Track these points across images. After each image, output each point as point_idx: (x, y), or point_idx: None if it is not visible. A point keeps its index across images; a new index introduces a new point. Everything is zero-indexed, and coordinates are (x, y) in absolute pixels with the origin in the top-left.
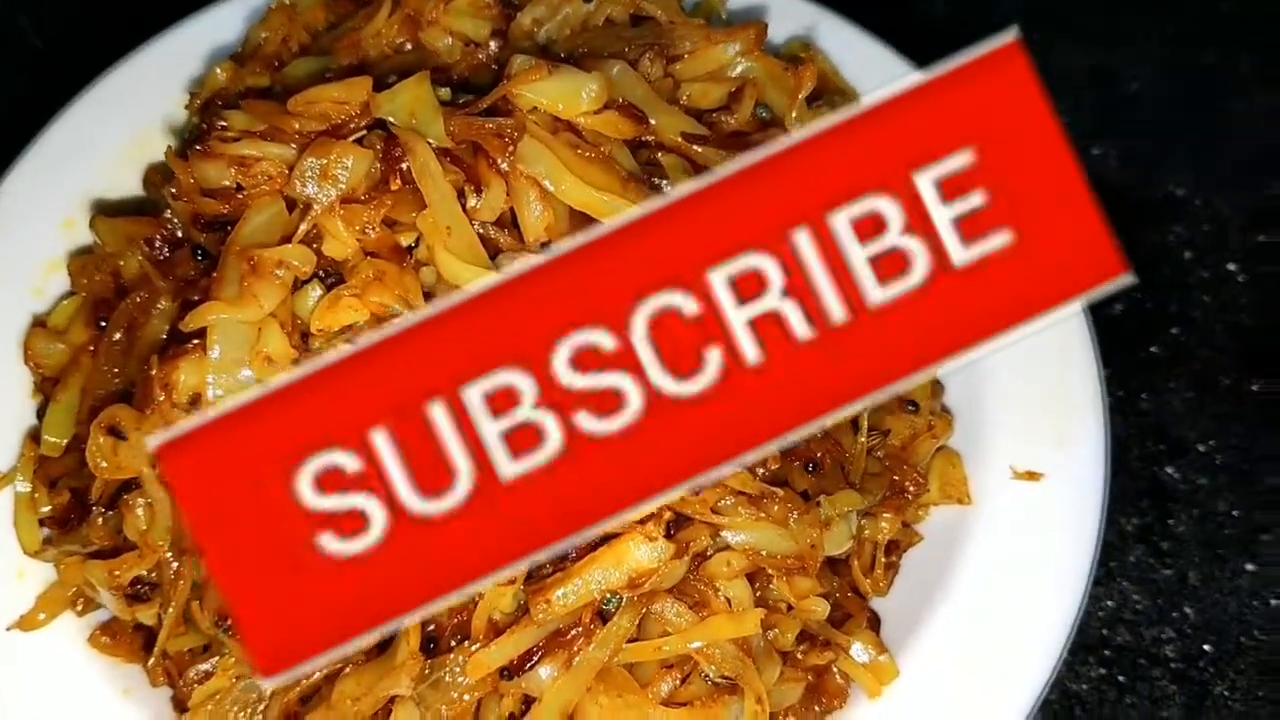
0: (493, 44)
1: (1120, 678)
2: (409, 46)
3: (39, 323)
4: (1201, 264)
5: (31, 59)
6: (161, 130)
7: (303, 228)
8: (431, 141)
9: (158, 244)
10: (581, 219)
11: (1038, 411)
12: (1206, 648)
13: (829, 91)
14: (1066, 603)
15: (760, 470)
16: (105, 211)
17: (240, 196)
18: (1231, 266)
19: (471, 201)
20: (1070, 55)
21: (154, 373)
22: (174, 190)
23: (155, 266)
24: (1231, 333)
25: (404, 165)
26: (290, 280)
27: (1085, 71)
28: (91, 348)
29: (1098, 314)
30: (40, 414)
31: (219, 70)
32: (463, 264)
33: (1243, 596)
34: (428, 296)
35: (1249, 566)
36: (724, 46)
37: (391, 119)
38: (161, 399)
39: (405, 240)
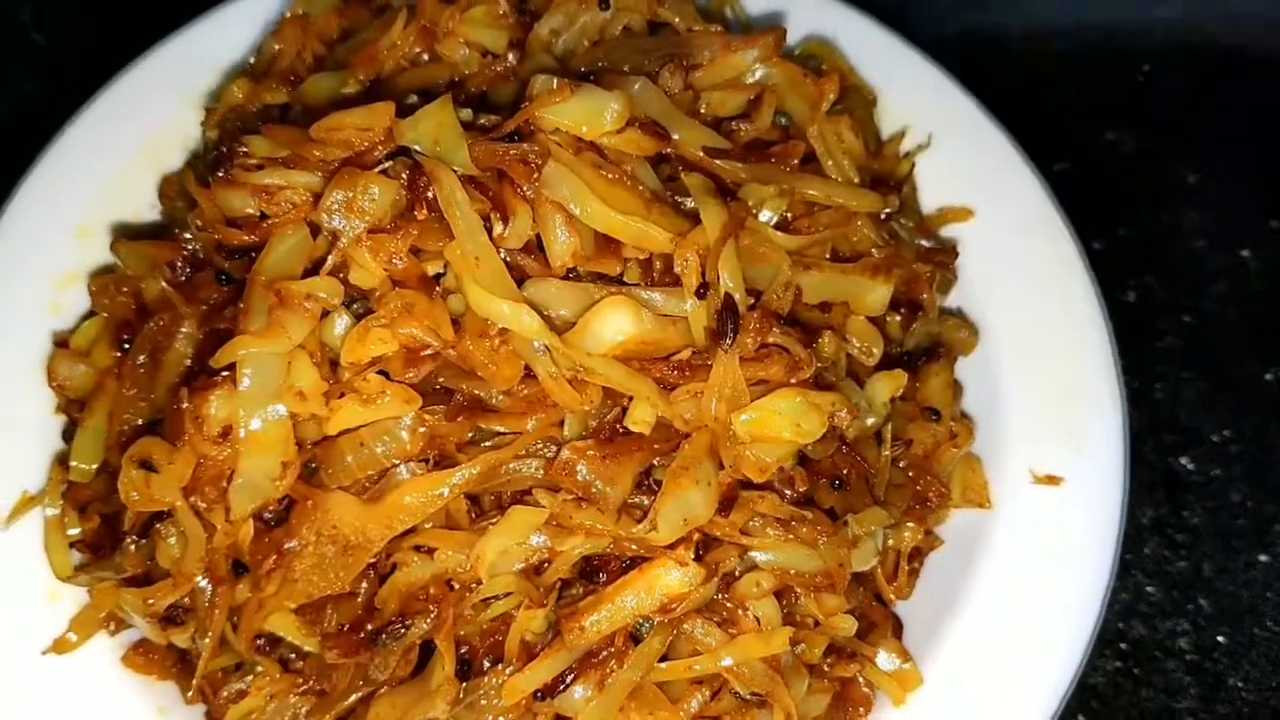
0: (511, 55)
1: (1136, 670)
2: (426, 57)
3: (60, 342)
4: (1214, 251)
5: (34, 56)
6: (173, 138)
7: (330, 260)
8: (456, 169)
9: (179, 265)
10: (606, 241)
11: (1056, 410)
12: (1220, 639)
13: (846, 91)
14: (1088, 605)
15: (788, 492)
16: (125, 233)
17: (265, 225)
18: (1245, 253)
19: (498, 229)
20: (1081, 38)
21: (185, 405)
22: (198, 222)
23: (178, 290)
24: (1245, 321)
25: (430, 194)
26: (318, 311)
27: (1097, 56)
28: (116, 371)
29: (1111, 302)
30: (66, 435)
31: (235, 86)
32: (491, 296)
33: (1256, 588)
34: (455, 325)
35: (1262, 558)
36: (743, 54)
37: (416, 146)
38: (193, 432)
39: (432, 269)
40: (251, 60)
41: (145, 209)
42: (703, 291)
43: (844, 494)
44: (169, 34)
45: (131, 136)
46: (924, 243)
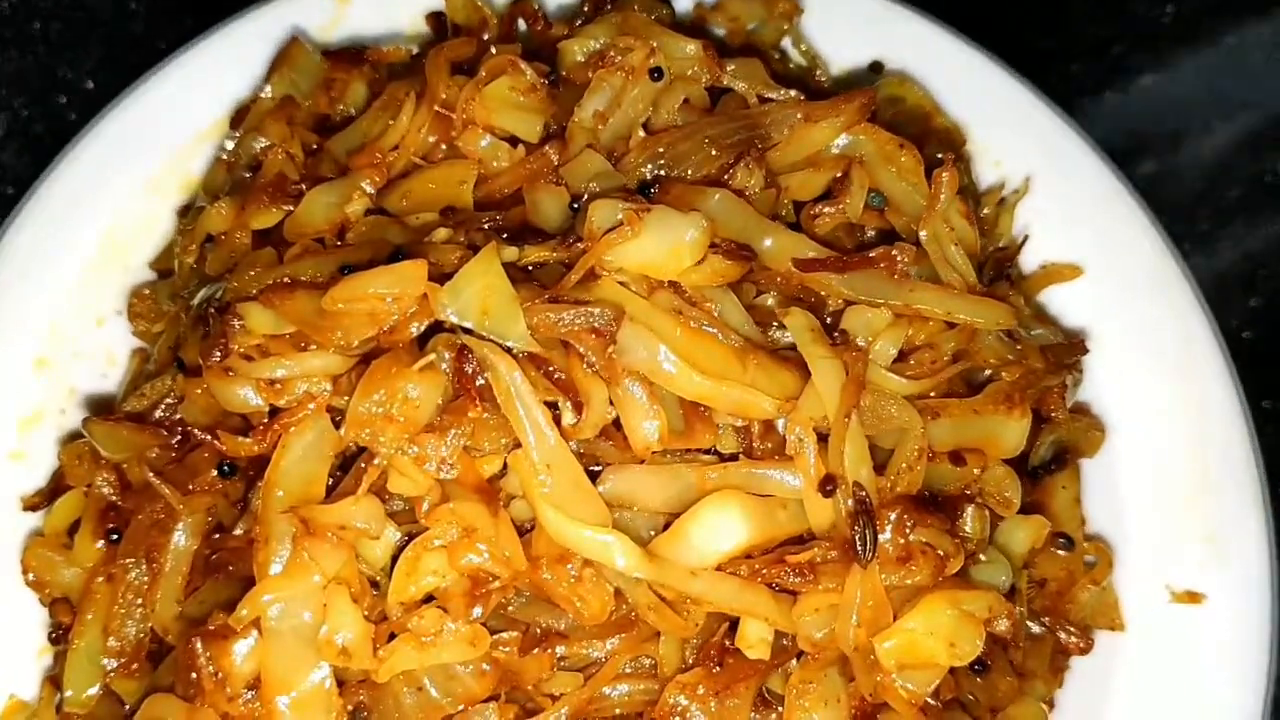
0: (551, 150)
1: None
2: (443, 147)
3: (33, 504)
4: None
5: None
6: (135, 231)
7: (366, 479)
8: (513, 346)
9: (169, 445)
10: (695, 407)
11: (1190, 511)
12: None
13: (932, 134)
14: None
15: (933, 703)
16: (97, 408)
17: (276, 426)
18: None
19: (568, 418)
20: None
21: (201, 659)
22: (196, 432)
23: (169, 482)
24: None
25: (481, 381)
26: (354, 539)
27: (1178, 36)
28: (105, 573)
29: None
30: (52, 638)
31: (216, 209)
32: (570, 522)
33: None
34: (523, 535)
35: None
36: (827, 124)
37: (458, 319)
38: (212, 690)
39: (489, 469)
40: (225, 154)
41: (111, 316)
42: (829, 490)
43: (987, 679)
44: (114, 98)
45: (86, 234)
46: (1044, 333)
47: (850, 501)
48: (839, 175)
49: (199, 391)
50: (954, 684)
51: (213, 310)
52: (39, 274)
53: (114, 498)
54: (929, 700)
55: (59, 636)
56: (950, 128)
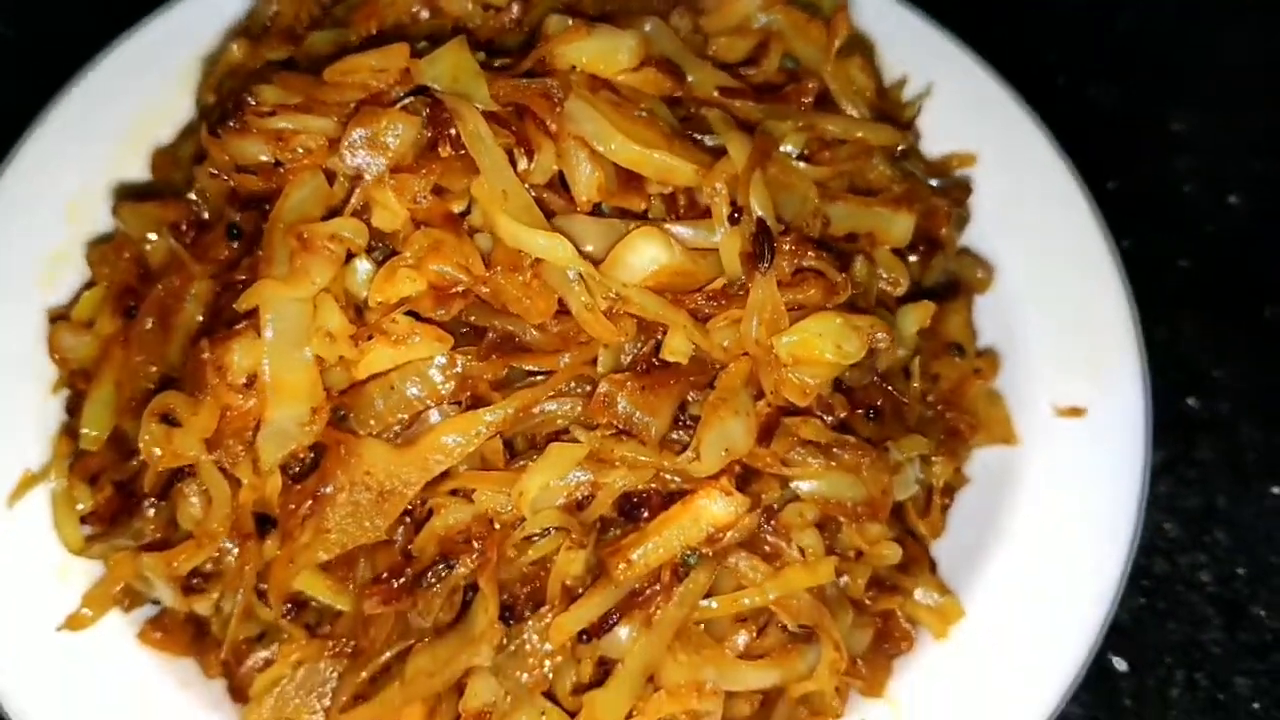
0: (515, 7)
1: (1160, 605)
2: (426, 13)
3: (59, 315)
4: (1204, 197)
5: (5, 53)
6: (161, 119)
7: (353, 200)
8: (478, 105)
9: (184, 227)
10: (629, 176)
11: (1072, 347)
12: (1239, 570)
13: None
14: (1120, 535)
15: (828, 418)
16: (126, 195)
17: (280, 171)
18: (1233, 199)
19: (522, 165)
20: None
21: (205, 355)
22: (211, 170)
23: (186, 249)
24: (1237, 261)
25: (452, 131)
26: (342, 253)
27: (1075, 9)
28: (123, 337)
29: None
30: (70, 409)
31: (234, 46)
32: (524, 226)
33: (1270, 518)
34: (486, 261)
35: (1274, 489)
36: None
37: (435, 84)
38: (216, 381)
39: (457, 207)
40: (245, 22)
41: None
42: (735, 217)
43: (879, 424)
44: (146, 15)
45: (118, 118)
46: (935, 182)
47: (753, 227)
48: (760, 44)
49: (218, 150)
50: (848, 406)
51: (229, 104)
52: (78, 142)
53: (132, 284)
54: (823, 416)
55: (76, 406)
56: (859, 34)
